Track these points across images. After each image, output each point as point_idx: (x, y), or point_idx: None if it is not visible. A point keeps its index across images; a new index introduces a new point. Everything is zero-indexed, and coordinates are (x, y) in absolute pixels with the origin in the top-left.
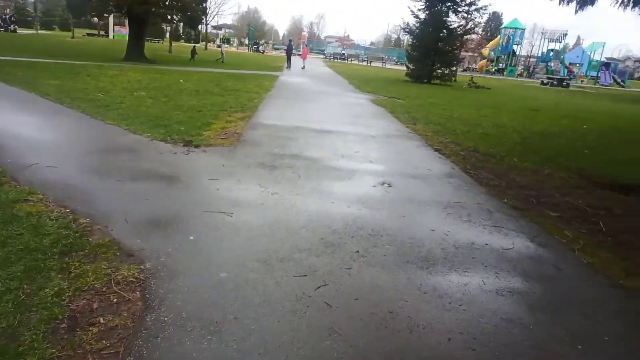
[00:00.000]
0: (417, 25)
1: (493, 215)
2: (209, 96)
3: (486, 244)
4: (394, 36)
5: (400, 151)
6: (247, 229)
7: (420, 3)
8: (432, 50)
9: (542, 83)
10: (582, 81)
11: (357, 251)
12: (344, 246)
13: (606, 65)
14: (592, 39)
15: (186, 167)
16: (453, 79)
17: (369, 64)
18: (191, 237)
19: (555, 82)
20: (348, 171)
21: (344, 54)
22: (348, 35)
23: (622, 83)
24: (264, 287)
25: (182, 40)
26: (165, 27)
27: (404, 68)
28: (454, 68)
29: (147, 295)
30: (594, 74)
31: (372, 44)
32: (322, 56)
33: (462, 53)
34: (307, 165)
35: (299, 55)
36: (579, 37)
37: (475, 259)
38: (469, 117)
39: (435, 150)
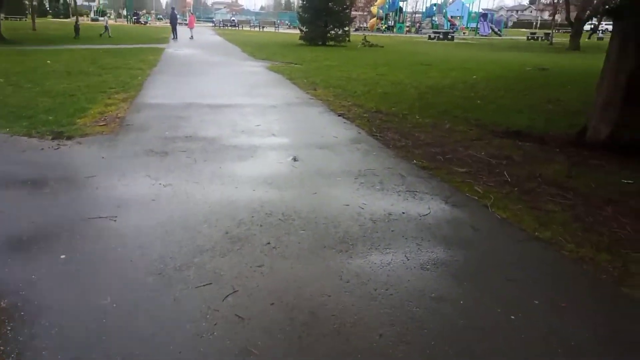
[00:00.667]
0: None
1: (405, 179)
2: (84, 77)
3: (403, 213)
4: None
5: (303, 120)
6: (136, 235)
7: None
8: (323, 10)
9: (430, 38)
10: (464, 33)
11: (268, 243)
12: (253, 239)
13: (484, 16)
14: None
15: (56, 165)
16: (347, 39)
17: (261, 30)
18: (63, 257)
19: (441, 36)
20: (250, 148)
21: (234, 20)
22: (237, 1)
23: (499, 32)
24: (160, 308)
25: (49, 16)
26: (26, 2)
27: (298, 31)
28: (347, 28)
29: (1, 347)
30: (474, 25)
31: (262, 8)
32: (210, 24)
33: (353, 12)
34: (204, 146)
35: (186, 24)
36: None
37: (394, 232)
38: (367, 77)
39: (339, 115)
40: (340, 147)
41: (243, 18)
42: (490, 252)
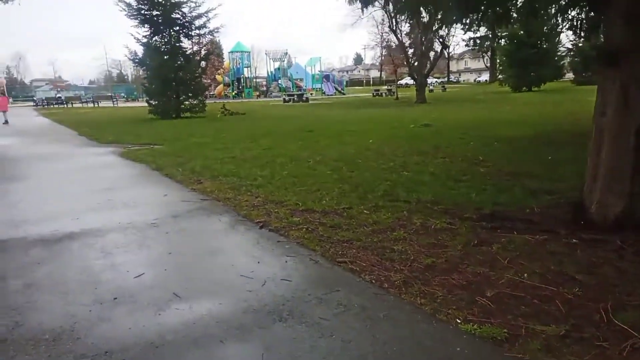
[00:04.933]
0: (148, 54)
1: None
2: None
3: None
4: (116, 71)
5: (211, 248)
6: None
7: (144, 29)
8: (172, 80)
9: (285, 101)
10: (311, 94)
11: None
12: None
13: (326, 77)
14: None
15: None
16: (204, 109)
17: (96, 106)
18: None
19: (296, 98)
20: (144, 350)
21: (60, 97)
22: (60, 76)
23: (342, 91)
24: None
25: None
26: None
27: (140, 105)
28: (202, 97)
29: None
30: (317, 86)
31: (91, 82)
32: (31, 104)
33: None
34: None
35: None
36: (289, 55)
37: None
38: (255, 155)
39: (261, 227)
40: (311, 308)
41: (71, 94)
42: None
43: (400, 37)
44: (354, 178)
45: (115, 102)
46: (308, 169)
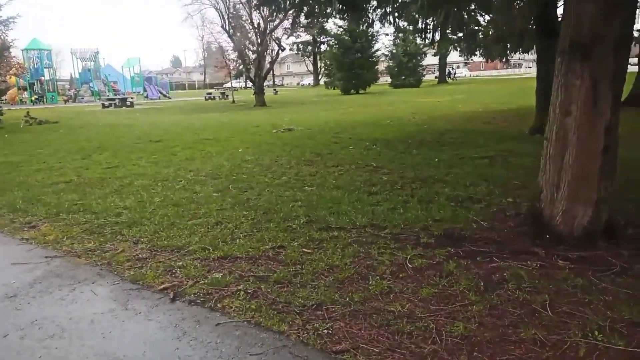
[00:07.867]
0: None
1: None
2: None
3: None
4: None
5: None
6: None
7: None
8: None
9: (104, 106)
10: (132, 98)
11: None
12: None
13: (149, 79)
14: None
15: None
16: (1, 117)
17: None
18: None
19: (118, 103)
20: None
21: None
22: None
23: (167, 95)
24: None
25: None
26: None
27: None
28: None
29: None
30: (138, 89)
31: None
32: None
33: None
34: None
35: None
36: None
37: None
38: (100, 176)
39: (173, 299)
40: None
41: None
42: None
43: (233, 38)
44: (254, 201)
45: None
46: (185, 191)
